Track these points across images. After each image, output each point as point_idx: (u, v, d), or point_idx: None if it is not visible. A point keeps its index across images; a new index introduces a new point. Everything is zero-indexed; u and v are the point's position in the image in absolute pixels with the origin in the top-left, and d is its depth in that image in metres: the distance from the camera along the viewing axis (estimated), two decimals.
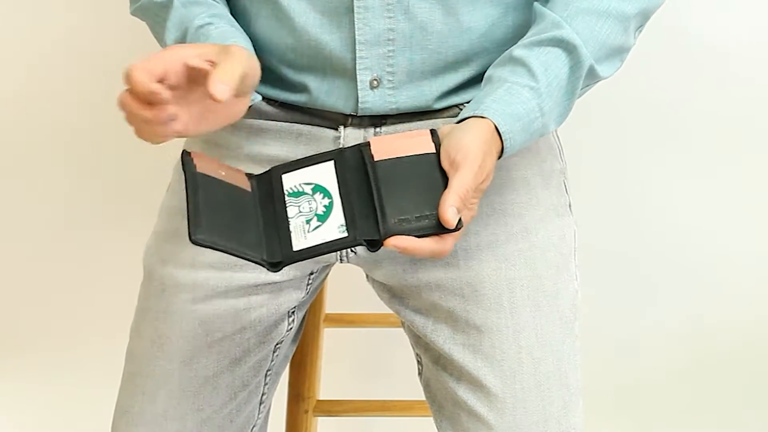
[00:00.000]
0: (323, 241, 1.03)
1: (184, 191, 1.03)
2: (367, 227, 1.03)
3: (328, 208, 1.06)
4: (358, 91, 1.15)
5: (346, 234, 1.03)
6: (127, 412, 1.19)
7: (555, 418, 1.12)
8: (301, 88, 1.17)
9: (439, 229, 1.01)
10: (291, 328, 1.25)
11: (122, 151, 1.96)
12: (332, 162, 1.09)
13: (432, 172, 1.05)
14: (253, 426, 1.26)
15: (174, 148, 1.39)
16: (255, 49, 1.20)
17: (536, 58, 1.08)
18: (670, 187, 1.94)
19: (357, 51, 1.14)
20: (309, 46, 1.15)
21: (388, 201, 1.04)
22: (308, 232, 1.04)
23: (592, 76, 1.12)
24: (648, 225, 1.95)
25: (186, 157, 1.05)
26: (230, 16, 1.17)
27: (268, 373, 1.25)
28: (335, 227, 1.04)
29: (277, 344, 1.24)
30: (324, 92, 1.16)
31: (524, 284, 1.15)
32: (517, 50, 1.10)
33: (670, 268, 1.96)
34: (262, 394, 1.26)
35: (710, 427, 1.94)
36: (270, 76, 1.20)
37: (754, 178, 1.93)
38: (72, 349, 2.03)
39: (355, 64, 1.14)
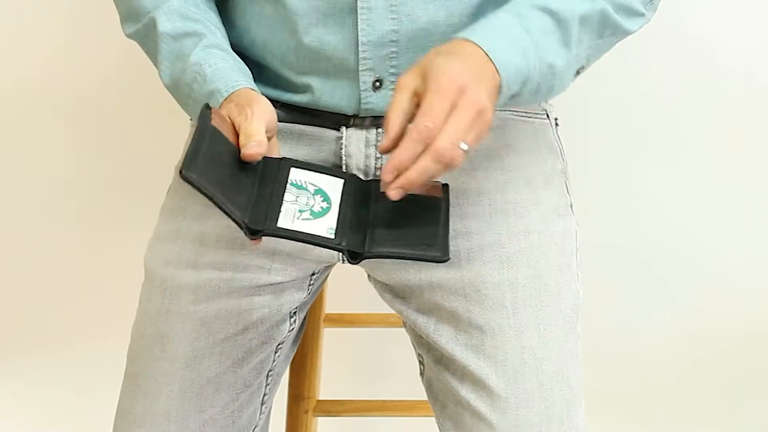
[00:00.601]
0: (308, 232, 1.03)
1: (187, 184, 1.01)
2: (355, 240, 1.04)
3: (324, 210, 1.06)
4: (361, 92, 1.15)
5: (333, 236, 1.04)
6: (129, 413, 1.19)
7: (557, 417, 1.12)
8: (304, 89, 1.17)
9: (426, 256, 1.03)
10: (293, 329, 1.25)
11: (123, 151, 1.96)
12: (343, 181, 1.09)
13: (433, 214, 1.06)
14: (255, 426, 1.26)
15: (174, 148, 1.39)
16: (257, 51, 1.20)
17: None
18: (671, 187, 1.94)
19: (360, 52, 1.14)
20: (311, 48, 1.15)
21: (381, 227, 1.04)
22: (297, 218, 1.04)
23: (607, 18, 1.12)
24: (649, 225, 1.95)
25: (206, 109, 1.04)
26: (222, 40, 1.18)
27: (270, 373, 1.25)
28: (324, 227, 1.04)
29: (278, 345, 1.24)
30: (326, 93, 1.16)
31: (526, 284, 1.15)
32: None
33: (672, 267, 1.97)
34: (264, 395, 1.26)
35: (712, 427, 1.94)
36: (272, 77, 1.20)
37: (754, 178, 1.93)
38: (73, 350, 2.03)
39: (357, 65, 1.14)
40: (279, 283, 1.20)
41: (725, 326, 1.97)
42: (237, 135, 1.06)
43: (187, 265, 1.18)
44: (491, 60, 1.03)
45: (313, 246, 1.17)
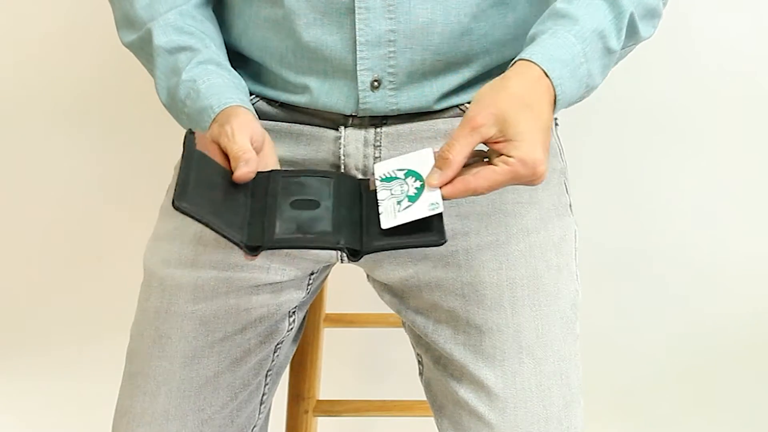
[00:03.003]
0: (306, 236, 1.03)
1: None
2: (352, 238, 1.03)
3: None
4: (359, 92, 1.15)
5: (330, 236, 1.03)
6: (128, 412, 1.19)
7: (556, 417, 1.12)
8: (302, 89, 1.17)
9: (424, 242, 1.02)
10: (292, 328, 1.25)
11: (123, 151, 1.96)
12: (332, 180, 1.09)
13: None
14: (254, 426, 1.26)
15: (173, 149, 1.39)
16: (255, 51, 1.20)
17: (578, 9, 1.08)
18: (670, 187, 1.94)
19: (358, 52, 1.14)
20: (309, 48, 1.15)
21: (376, 223, 1.04)
22: (398, 210, 1.03)
23: (634, 32, 1.12)
24: (648, 225, 1.95)
25: (189, 135, 1.04)
26: (217, 53, 1.18)
27: (269, 373, 1.25)
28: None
29: (277, 344, 1.24)
30: (325, 93, 1.17)
31: (525, 284, 1.15)
32: (558, 4, 1.10)
33: (672, 267, 1.96)
34: (263, 395, 1.26)
35: (712, 427, 1.94)
36: (270, 77, 1.20)
37: (754, 179, 1.93)
38: (72, 349, 2.03)
39: (355, 65, 1.14)
40: (278, 282, 1.20)
41: (725, 326, 1.97)
42: (225, 155, 1.06)
43: (186, 264, 1.18)
44: (556, 95, 1.04)
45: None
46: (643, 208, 1.95)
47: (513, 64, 1.06)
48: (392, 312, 1.24)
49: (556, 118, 1.29)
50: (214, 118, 1.11)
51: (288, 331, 1.25)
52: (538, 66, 1.04)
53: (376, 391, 1.97)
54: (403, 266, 1.17)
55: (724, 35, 1.87)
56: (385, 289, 1.22)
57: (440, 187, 1.01)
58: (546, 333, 1.14)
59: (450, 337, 1.15)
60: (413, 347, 1.23)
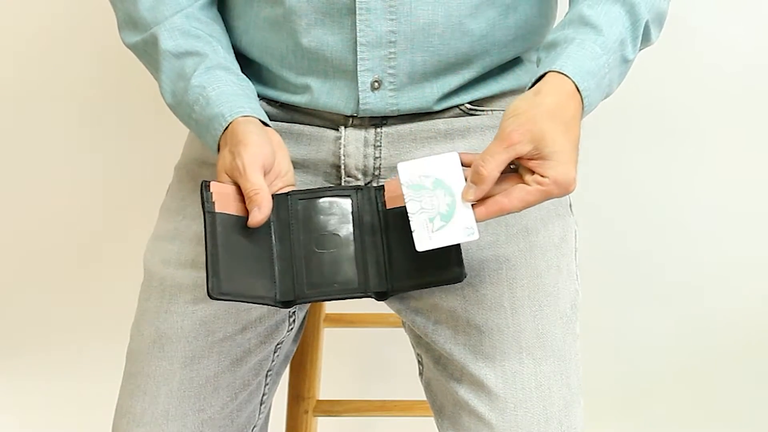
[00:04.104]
0: (335, 288, 1.07)
1: (202, 229, 1.06)
2: (378, 278, 1.06)
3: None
4: (359, 93, 1.15)
5: (356, 285, 1.07)
6: (128, 413, 1.19)
7: (556, 418, 1.12)
8: (303, 89, 1.18)
9: (444, 280, 1.05)
10: (292, 328, 1.25)
11: (123, 151, 1.96)
12: (350, 200, 1.10)
13: None
14: (254, 426, 1.26)
15: (173, 149, 1.39)
16: (255, 52, 1.20)
17: (599, 17, 1.08)
18: (670, 187, 1.94)
19: (358, 52, 1.14)
20: (310, 48, 1.15)
21: (398, 259, 1.06)
22: (432, 230, 1.03)
23: (647, 38, 1.12)
24: (649, 225, 1.95)
25: (206, 192, 1.06)
26: (225, 57, 1.18)
27: (269, 373, 1.25)
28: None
29: (277, 344, 1.24)
30: (325, 93, 1.17)
31: (525, 284, 1.15)
32: (579, 9, 1.09)
33: (671, 267, 1.96)
34: (263, 395, 1.26)
35: (712, 427, 1.94)
36: (271, 77, 1.20)
37: (755, 178, 1.93)
38: (72, 349, 2.03)
39: (356, 65, 1.14)
40: None
41: (725, 326, 1.97)
42: (237, 192, 1.08)
43: (186, 264, 1.18)
44: (583, 104, 1.04)
45: None
46: (644, 208, 1.95)
47: (544, 75, 1.05)
48: (392, 312, 1.24)
49: None
50: (224, 136, 1.11)
51: (288, 332, 1.25)
52: (571, 80, 1.04)
53: (376, 391, 1.97)
54: None
55: (725, 35, 1.87)
56: None
57: (473, 206, 1.01)
58: (546, 333, 1.14)
59: (450, 337, 1.15)
60: (413, 347, 1.23)
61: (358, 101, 1.16)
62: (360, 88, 1.15)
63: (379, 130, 1.17)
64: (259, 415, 1.26)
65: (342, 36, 1.14)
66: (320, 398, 1.56)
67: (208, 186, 1.06)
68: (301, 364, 1.53)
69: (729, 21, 1.86)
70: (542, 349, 1.13)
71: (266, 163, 1.09)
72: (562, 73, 1.04)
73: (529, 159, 1.01)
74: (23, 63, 1.95)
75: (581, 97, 1.04)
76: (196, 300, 1.17)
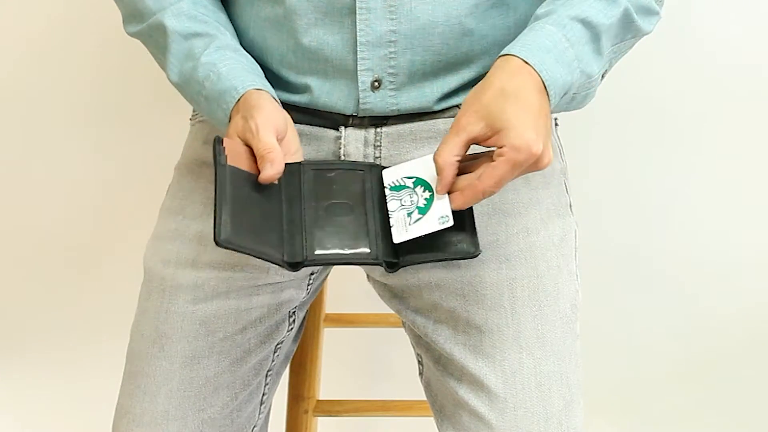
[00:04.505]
0: (345, 252, 1.04)
1: (211, 188, 1.05)
2: (389, 248, 1.05)
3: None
4: (359, 92, 1.15)
5: (368, 250, 1.05)
6: (128, 413, 1.19)
7: (556, 418, 1.12)
8: (303, 89, 1.18)
9: (459, 255, 1.04)
10: (292, 328, 1.25)
11: (123, 151, 1.96)
12: (362, 174, 1.10)
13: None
14: (254, 426, 1.26)
15: (173, 149, 1.39)
16: (255, 51, 1.20)
17: (561, 5, 1.09)
18: (670, 187, 1.94)
19: (358, 52, 1.14)
20: (310, 48, 1.15)
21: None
22: (409, 223, 1.05)
23: (630, 22, 1.12)
24: (649, 225, 1.95)
25: (218, 146, 1.05)
26: (233, 41, 1.18)
27: (269, 373, 1.25)
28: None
29: (277, 344, 1.24)
30: (325, 93, 1.17)
31: (525, 284, 1.15)
32: (543, 7, 1.11)
33: (671, 267, 1.96)
34: (263, 395, 1.26)
35: (711, 427, 1.94)
36: (271, 77, 1.20)
37: (755, 178, 1.93)
38: (72, 349, 2.03)
39: (356, 65, 1.14)
40: (278, 282, 1.20)
41: (725, 326, 1.97)
42: (250, 149, 1.07)
43: (186, 264, 1.18)
44: (542, 80, 1.04)
45: None
46: (644, 208, 1.95)
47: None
48: (392, 312, 1.24)
49: (555, 118, 1.29)
50: (237, 105, 1.11)
51: (288, 331, 1.25)
52: (516, 56, 1.05)
53: (376, 391, 1.97)
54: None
55: (725, 34, 1.87)
56: (385, 289, 1.22)
57: (449, 195, 1.03)
58: (546, 333, 1.14)
59: (450, 337, 1.15)
60: (413, 347, 1.23)
61: (358, 101, 1.16)
62: (360, 88, 1.15)
63: (379, 129, 1.17)
64: (259, 415, 1.26)
65: (342, 36, 1.14)
66: (320, 398, 1.56)
67: (221, 141, 1.06)
68: (301, 364, 1.53)
69: (729, 20, 1.86)
70: (542, 349, 1.13)
71: (279, 129, 1.09)
72: (508, 54, 1.05)
73: (486, 139, 1.02)
74: (23, 63, 1.95)
75: (534, 69, 1.04)
76: (196, 300, 1.18)
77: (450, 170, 1.03)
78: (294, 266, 1.04)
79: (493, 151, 1.02)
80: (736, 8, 1.86)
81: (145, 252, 1.24)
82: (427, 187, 1.05)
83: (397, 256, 1.05)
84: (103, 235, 2.01)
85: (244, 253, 1.01)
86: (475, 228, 1.06)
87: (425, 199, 1.04)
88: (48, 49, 1.93)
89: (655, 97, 1.90)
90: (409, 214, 1.04)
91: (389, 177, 1.08)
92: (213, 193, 1.02)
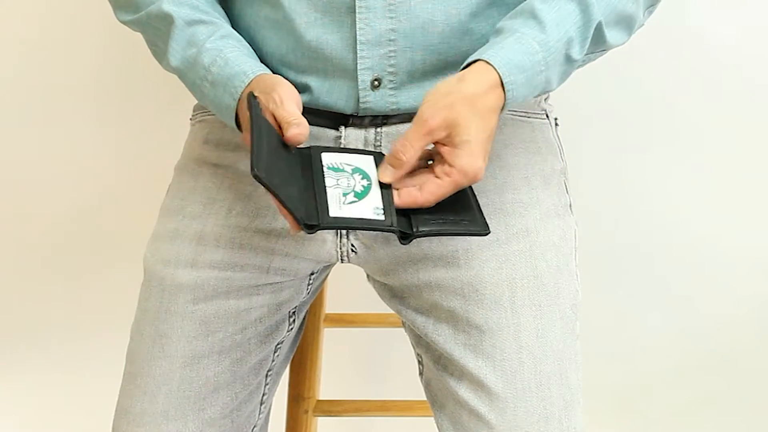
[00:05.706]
0: (360, 217, 1.05)
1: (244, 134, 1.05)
2: (402, 221, 1.06)
3: (366, 189, 1.07)
4: (359, 91, 1.15)
5: (382, 217, 1.05)
6: (128, 413, 1.19)
7: (556, 417, 1.12)
8: (303, 88, 1.17)
9: (471, 231, 1.06)
10: (292, 329, 1.25)
11: (122, 151, 1.96)
12: (372, 157, 1.11)
13: (461, 193, 1.08)
14: (254, 426, 1.26)
15: (173, 148, 1.39)
16: (255, 51, 1.20)
17: (549, 12, 1.09)
18: (670, 187, 1.94)
19: (358, 51, 1.14)
20: (310, 47, 1.15)
21: (422, 208, 1.07)
22: (344, 204, 1.05)
23: (600, 40, 1.12)
24: (648, 225, 1.95)
25: (253, 99, 1.07)
26: (233, 31, 1.18)
27: (269, 373, 1.25)
28: (371, 208, 1.05)
29: (277, 344, 1.24)
30: (325, 92, 1.17)
31: (525, 284, 1.15)
32: (532, 2, 1.10)
33: (672, 267, 1.96)
34: (263, 395, 1.26)
35: (711, 427, 1.94)
36: None
37: (754, 178, 1.93)
38: (72, 349, 2.03)
39: (356, 64, 1.14)
40: (278, 282, 1.20)
41: (725, 326, 1.97)
42: (277, 125, 1.08)
43: (186, 264, 1.18)
44: (506, 100, 1.06)
45: (311, 245, 1.17)
46: (644, 208, 1.95)
47: (472, 62, 1.07)
48: (392, 312, 1.24)
49: (555, 118, 1.29)
50: (249, 84, 1.11)
51: (288, 332, 1.25)
52: (496, 71, 1.06)
53: (376, 391, 1.97)
54: (403, 266, 1.17)
55: (722, 34, 1.87)
56: (385, 288, 1.22)
57: (384, 190, 1.06)
58: (546, 333, 1.14)
59: (450, 336, 1.15)
60: (413, 347, 1.23)
61: (358, 100, 1.16)
62: (360, 87, 1.15)
63: (379, 129, 1.17)
64: (259, 415, 1.26)
65: (342, 35, 1.14)
66: (320, 398, 1.56)
67: (256, 97, 1.07)
68: (301, 364, 1.53)
69: (727, 20, 1.86)
70: (542, 349, 1.13)
71: (299, 105, 1.10)
72: (490, 64, 1.06)
73: (442, 144, 1.05)
74: (23, 63, 1.95)
75: (504, 90, 1.06)
76: (196, 300, 1.18)
77: (408, 169, 1.06)
78: (310, 228, 1.03)
79: (430, 151, 1.07)
80: (734, 8, 1.86)
81: (145, 252, 1.24)
82: (365, 176, 1.08)
83: (410, 229, 1.06)
84: (103, 234, 2.01)
85: (274, 194, 1.00)
86: (480, 208, 1.08)
87: (363, 186, 1.07)
88: (48, 49, 1.93)
89: (655, 97, 1.90)
90: (344, 194, 1.06)
91: (328, 158, 1.10)
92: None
